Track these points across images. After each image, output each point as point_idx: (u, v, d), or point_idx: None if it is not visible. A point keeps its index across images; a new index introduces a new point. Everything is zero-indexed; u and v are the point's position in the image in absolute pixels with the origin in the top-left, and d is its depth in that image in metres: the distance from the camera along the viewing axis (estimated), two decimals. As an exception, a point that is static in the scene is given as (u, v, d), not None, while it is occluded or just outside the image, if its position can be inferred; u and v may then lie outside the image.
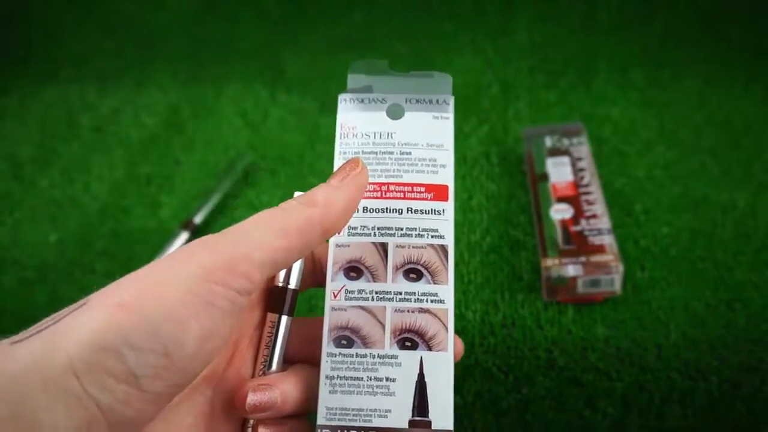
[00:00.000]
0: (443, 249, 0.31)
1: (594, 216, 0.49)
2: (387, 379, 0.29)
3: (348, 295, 0.30)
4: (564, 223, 0.49)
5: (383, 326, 0.30)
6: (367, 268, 0.31)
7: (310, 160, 0.62)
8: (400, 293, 0.30)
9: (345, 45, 0.75)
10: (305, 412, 0.31)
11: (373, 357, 0.30)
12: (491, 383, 0.44)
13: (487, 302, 0.48)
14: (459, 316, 0.47)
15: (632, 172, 0.56)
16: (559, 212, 0.50)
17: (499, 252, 0.51)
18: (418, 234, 0.31)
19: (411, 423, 0.29)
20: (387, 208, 0.31)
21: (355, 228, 0.31)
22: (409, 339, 0.30)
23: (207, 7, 0.84)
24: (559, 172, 0.53)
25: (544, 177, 0.53)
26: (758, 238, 0.50)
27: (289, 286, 0.31)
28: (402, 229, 0.31)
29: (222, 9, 0.83)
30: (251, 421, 0.30)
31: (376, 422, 0.29)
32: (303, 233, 0.27)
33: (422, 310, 0.30)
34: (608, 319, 0.46)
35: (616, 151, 0.58)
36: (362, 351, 0.30)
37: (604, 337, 0.45)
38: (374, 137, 0.32)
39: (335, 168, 0.32)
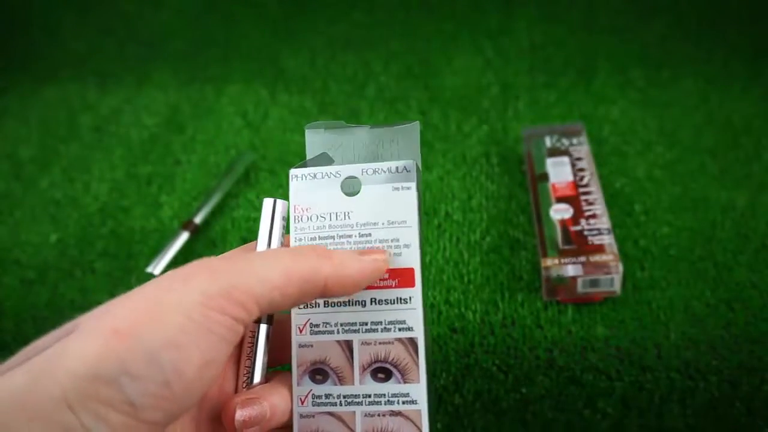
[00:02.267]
0: (412, 342, 0.29)
1: (594, 216, 0.49)
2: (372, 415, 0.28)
3: (315, 400, 0.29)
4: (564, 223, 0.49)
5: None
6: (332, 369, 0.29)
7: (310, 160, 0.62)
8: (369, 396, 0.29)
9: (345, 45, 0.75)
10: (289, 424, 0.30)
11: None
12: (491, 383, 0.44)
13: (487, 302, 0.48)
14: (459, 316, 0.47)
15: (632, 172, 0.56)
16: (559, 212, 0.50)
17: (499, 252, 0.51)
18: (384, 328, 0.29)
19: None
20: (349, 301, 0.29)
21: (317, 325, 0.30)
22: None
23: (207, 7, 0.84)
24: (558, 172, 0.53)
25: (544, 177, 0.53)
26: (758, 238, 0.50)
27: None
28: (366, 324, 0.29)
29: (222, 9, 0.83)
30: None
31: None
32: (305, 281, 0.27)
33: (393, 413, 0.28)
34: (608, 319, 0.46)
35: (616, 151, 0.58)
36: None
37: (603, 337, 0.45)
38: (330, 218, 0.30)
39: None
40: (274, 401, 0.29)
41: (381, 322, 0.29)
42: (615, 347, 0.44)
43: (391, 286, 0.29)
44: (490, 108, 0.65)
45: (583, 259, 0.46)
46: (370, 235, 0.30)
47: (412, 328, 0.29)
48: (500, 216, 0.54)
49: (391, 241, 0.29)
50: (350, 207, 0.30)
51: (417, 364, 0.29)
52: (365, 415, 0.29)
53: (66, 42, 0.82)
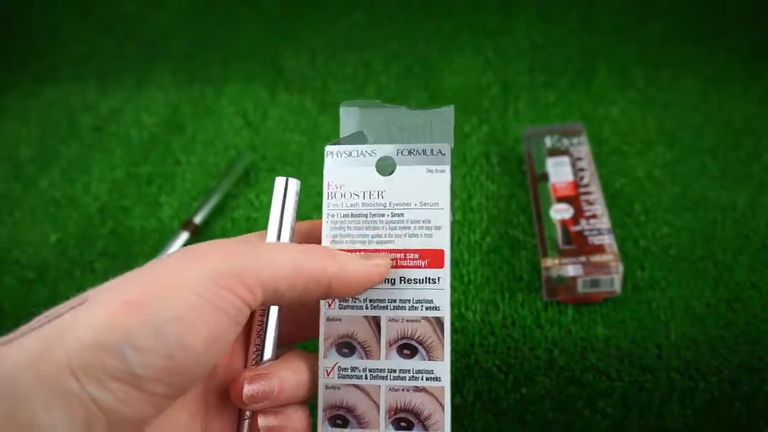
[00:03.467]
0: (438, 322, 0.29)
1: (594, 216, 0.49)
2: None
3: (341, 372, 0.30)
4: (564, 223, 0.49)
5: (378, 406, 0.29)
6: (359, 344, 0.30)
7: (310, 160, 0.62)
8: (395, 371, 0.29)
9: (345, 45, 0.75)
10: (303, 399, 0.31)
11: None
12: (491, 383, 0.44)
13: (487, 302, 0.48)
14: (459, 316, 0.47)
15: (632, 172, 0.56)
16: (559, 212, 0.50)
17: (499, 252, 0.51)
18: (412, 306, 0.30)
19: None
20: None
21: (347, 301, 0.30)
22: (405, 419, 0.29)
23: (207, 7, 0.84)
24: (559, 172, 0.53)
25: (544, 177, 0.53)
26: (758, 238, 0.50)
27: None
28: (395, 302, 0.30)
29: (222, 9, 0.83)
30: (248, 413, 0.30)
31: None
32: (312, 278, 0.27)
33: (417, 389, 0.29)
34: (608, 319, 0.46)
35: (616, 151, 0.58)
36: (356, 430, 0.29)
37: (604, 337, 0.45)
38: (363, 197, 0.30)
39: (323, 233, 0.31)
40: (283, 376, 0.29)
41: (409, 300, 0.30)
42: (615, 347, 0.44)
43: (420, 266, 0.30)
44: (490, 108, 0.65)
45: (583, 259, 0.46)
46: (402, 215, 0.30)
47: (439, 307, 0.29)
48: (500, 216, 0.54)
49: (423, 222, 0.30)
50: (384, 186, 0.30)
51: (442, 343, 0.29)
52: (389, 390, 0.29)
53: (66, 42, 0.82)
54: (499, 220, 0.54)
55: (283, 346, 0.31)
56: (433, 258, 0.30)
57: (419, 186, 0.30)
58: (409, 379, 0.29)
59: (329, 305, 0.30)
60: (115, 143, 0.67)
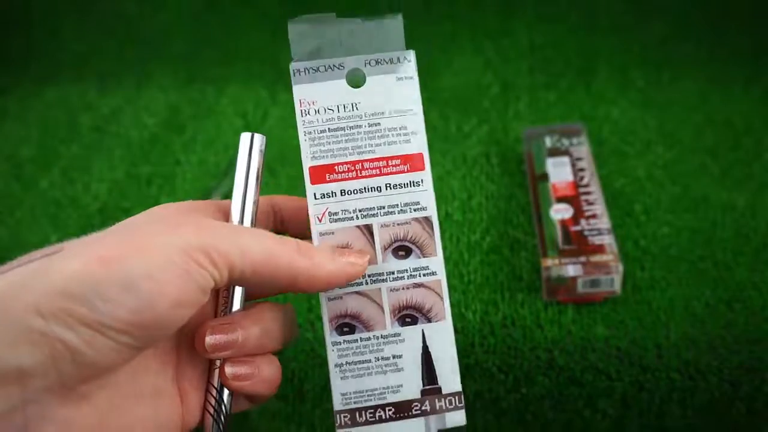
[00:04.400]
0: (427, 221, 0.31)
1: (594, 216, 0.49)
2: (394, 357, 0.30)
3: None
4: (564, 223, 0.49)
5: (382, 307, 0.31)
6: None
7: (310, 160, 0.62)
8: (393, 273, 0.31)
9: (345, 45, 0.75)
10: (273, 349, 0.31)
11: (377, 338, 0.30)
12: (491, 383, 0.44)
13: (487, 302, 0.48)
14: (459, 316, 0.47)
15: (632, 172, 0.56)
16: (559, 212, 0.50)
17: (499, 252, 0.51)
18: (401, 210, 0.31)
19: (423, 392, 0.30)
20: (365, 188, 0.31)
21: (336, 213, 0.31)
22: (409, 315, 0.31)
23: (207, 7, 0.84)
24: (559, 172, 0.53)
25: (544, 177, 0.53)
26: (758, 238, 0.50)
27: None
28: (384, 208, 0.31)
29: (222, 9, 0.83)
30: (218, 362, 0.30)
31: (391, 398, 0.30)
32: (278, 269, 0.28)
33: (416, 285, 0.31)
34: (608, 319, 0.46)
35: (616, 151, 0.58)
36: (365, 335, 0.30)
37: (604, 337, 0.45)
38: (338, 110, 0.31)
39: (302, 152, 0.31)
40: (247, 326, 0.29)
41: (397, 205, 0.31)
42: (615, 347, 0.44)
43: (403, 171, 0.31)
44: (490, 108, 0.65)
45: (583, 259, 0.46)
46: (379, 124, 0.31)
47: (426, 207, 0.31)
48: (500, 216, 0.54)
49: (399, 128, 0.31)
50: (357, 98, 0.31)
51: (433, 240, 0.31)
52: (390, 290, 0.31)
53: (66, 42, 0.82)
54: (499, 220, 0.54)
55: (252, 300, 0.32)
56: (413, 162, 0.31)
57: (391, 94, 0.31)
58: (408, 278, 0.31)
59: (319, 220, 0.31)
60: (115, 143, 0.67)
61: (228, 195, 0.58)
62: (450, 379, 0.31)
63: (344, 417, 0.30)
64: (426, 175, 0.31)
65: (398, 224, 0.31)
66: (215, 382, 0.30)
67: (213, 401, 0.30)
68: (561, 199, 0.51)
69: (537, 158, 0.55)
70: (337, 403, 0.30)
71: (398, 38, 0.32)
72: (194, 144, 0.65)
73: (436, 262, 0.31)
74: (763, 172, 0.55)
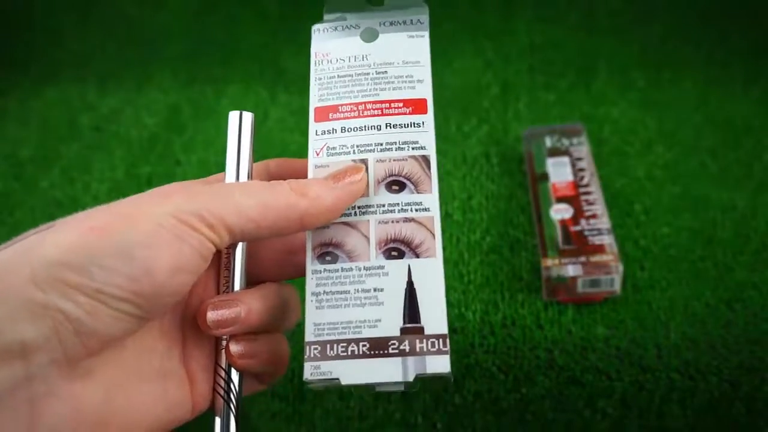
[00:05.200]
0: (425, 159, 0.30)
1: (594, 216, 0.49)
2: (375, 290, 0.28)
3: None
4: (564, 223, 0.49)
5: (368, 239, 0.29)
6: None
7: (310, 160, 0.62)
8: (383, 205, 0.30)
9: (345, 45, 0.75)
10: (277, 329, 0.31)
11: (359, 269, 0.29)
12: (491, 383, 0.44)
13: (487, 302, 0.48)
14: (459, 316, 0.47)
15: (632, 172, 0.56)
16: (559, 212, 0.50)
17: (499, 252, 0.51)
18: (399, 147, 0.30)
19: (402, 330, 0.27)
20: (365, 126, 0.31)
21: (334, 148, 0.30)
22: (396, 249, 0.29)
23: (207, 7, 0.84)
24: (559, 172, 0.53)
25: (544, 177, 0.53)
26: (758, 239, 0.50)
27: None
28: (381, 144, 0.30)
29: (222, 9, 0.83)
30: (224, 341, 0.30)
31: (366, 333, 0.28)
32: (280, 217, 0.27)
33: (407, 220, 0.29)
34: (608, 319, 0.46)
35: (616, 151, 0.58)
36: (347, 265, 0.29)
37: (604, 337, 0.45)
38: (349, 60, 0.32)
39: (310, 96, 0.32)
40: (250, 302, 0.29)
41: (395, 143, 0.30)
42: (615, 347, 0.44)
43: (405, 113, 0.31)
44: (490, 108, 0.65)
45: (583, 259, 0.46)
46: (386, 72, 0.31)
47: (425, 147, 0.30)
48: (500, 216, 0.54)
49: (406, 77, 0.31)
50: (368, 50, 0.32)
51: (430, 178, 0.30)
52: (380, 223, 0.29)
53: (66, 43, 0.82)
54: (499, 220, 0.54)
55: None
56: (417, 106, 0.31)
57: (401, 48, 0.32)
58: (399, 212, 0.30)
59: (317, 154, 0.31)
60: (115, 143, 0.67)
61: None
62: (435, 319, 0.27)
63: (314, 349, 0.27)
64: (428, 119, 0.30)
65: (395, 160, 0.30)
66: (222, 362, 0.30)
67: (222, 382, 0.30)
68: (561, 199, 0.51)
69: (537, 158, 0.55)
70: (309, 334, 0.28)
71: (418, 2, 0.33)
72: (194, 144, 0.65)
73: (431, 199, 0.30)
74: (763, 172, 0.55)
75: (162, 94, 0.72)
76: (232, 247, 0.31)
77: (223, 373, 0.30)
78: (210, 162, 0.63)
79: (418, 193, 0.30)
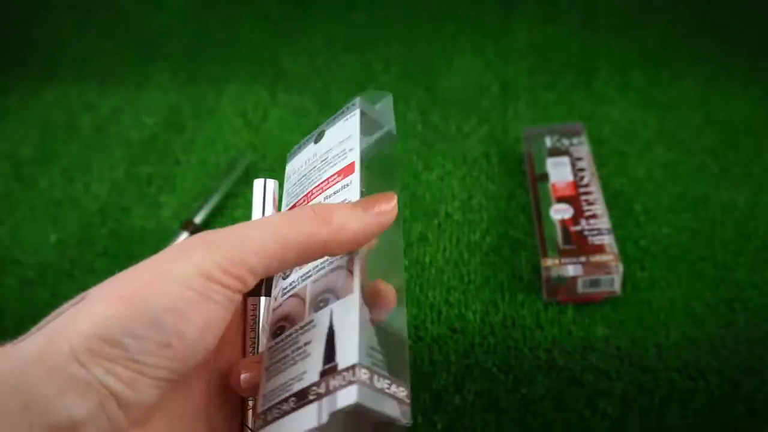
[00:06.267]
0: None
1: (594, 216, 0.49)
2: (305, 344, 0.28)
3: (283, 291, 0.31)
4: (564, 223, 0.49)
5: (304, 300, 0.30)
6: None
7: (310, 160, 0.62)
8: (317, 265, 0.30)
9: (345, 45, 0.75)
10: None
11: (296, 330, 0.29)
12: (491, 383, 0.44)
13: (487, 302, 0.48)
14: (459, 316, 0.47)
15: (632, 172, 0.56)
16: (559, 212, 0.50)
17: (499, 252, 0.51)
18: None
19: (321, 374, 0.26)
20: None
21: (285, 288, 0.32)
22: (323, 299, 0.29)
23: (207, 7, 0.84)
24: (559, 172, 0.53)
25: (544, 177, 0.53)
26: (758, 238, 0.50)
27: None
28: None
29: (222, 9, 0.83)
30: (250, 402, 0.30)
31: (295, 387, 0.27)
32: (303, 248, 0.27)
33: (334, 269, 0.29)
34: (608, 319, 0.46)
35: (616, 151, 0.58)
36: (289, 331, 0.29)
37: (604, 337, 0.45)
38: (304, 166, 0.35)
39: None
40: None
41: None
42: (615, 347, 0.44)
43: (338, 181, 0.32)
44: (490, 108, 0.65)
45: (583, 259, 0.46)
46: (326, 158, 0.33)
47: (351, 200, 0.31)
48: (500, 216, 0.54)
49: (340, 152, 0.33)
50: (316, 150, 0.35)
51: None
52: (313, 282, 0.30)
53: (66, 42, 0.82)
54: (499, 220, 0.54)
55: None
56: (346, 171, 0.32)
57: (339, 134, 0.34)
58: (328, 264, 0.30)
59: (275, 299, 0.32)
60: (115, 143, 0.67)
61: (228, 195, 0.58)
62: (348, 351, 0.26)
63: (261, 418, 0.28)
64: (354, 176, 0.31)
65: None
66: (249, 422, 0.30)
67: None
68: (561, 199, 0.51)
69: (537, 158, 0.55)
70: (259, 407, 0.28)
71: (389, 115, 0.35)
72: (194, 144, 0.65)
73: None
74: (763, 172, 0.55)
75: (162, 93, 0.72)
76: (257, 308, 0.32)
77: None
78: (210, 162, 0.63)
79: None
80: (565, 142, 0.55)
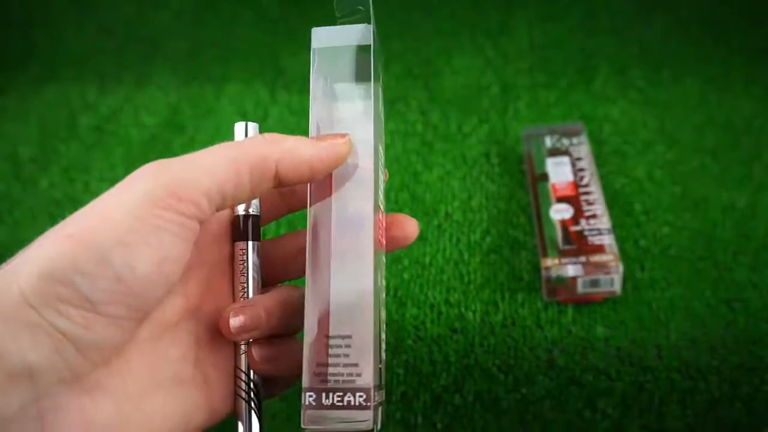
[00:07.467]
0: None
1: (594, 216, 0.49)
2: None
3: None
4: (564, 223, 0.49)
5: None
6: None
7: (310, 160, 0.62)
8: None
9: (345, 45, 0.75)
10: (294, 331, 0.31)
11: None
12: (491, 383, 0.44)
13: (487, 302, 0.48)
14: (459, 316, 0.47)
15: (632, 172, 0.56)
16: (559, 212, 0.50)
17: (499, 252, 0.51)
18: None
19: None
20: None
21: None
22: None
23: (207, 7, 0.84)
24: (559, 172, 0.53)
25: (544, 177, 0.53)
26: (758, 239, 0.50)
27: (250, 212, 0.31)
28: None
29: (222, 9, 0.83)
30: (243, 347, 0.30)
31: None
32: (254, 168, 0.26)
33: None
34: (608, 319, 0.46)
35: (616, 151, 0.58)
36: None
37: (604, 337, 0.45)
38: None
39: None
40: (269, 306, 0.29)
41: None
42: (615, 347, 0.44)
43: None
44: (490, 108, 0.65)
45: (583, 259, 0.46)
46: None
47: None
48: (500, 216, 0.54)
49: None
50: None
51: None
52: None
53: (66, 42, 0.82)
54: (499, 220, 0.54)
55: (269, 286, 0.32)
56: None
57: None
58: None
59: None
60: (115, 143, 0.67)
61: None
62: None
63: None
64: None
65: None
66: (243, 366, 0.30)
67: (243, 386, 0.30)
68: (561, 199, 0.51)
69: (537, 158, 0.55)
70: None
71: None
72: (194, 144, 0.65)
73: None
74: (763, 172, 0.55)
75: (162, 93, 0.72)
76: (244, 253, 0.31)
77: (244, 377, 0.30)
78: (210, 162, 0.63)
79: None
80: (565, 142, 0.55)
